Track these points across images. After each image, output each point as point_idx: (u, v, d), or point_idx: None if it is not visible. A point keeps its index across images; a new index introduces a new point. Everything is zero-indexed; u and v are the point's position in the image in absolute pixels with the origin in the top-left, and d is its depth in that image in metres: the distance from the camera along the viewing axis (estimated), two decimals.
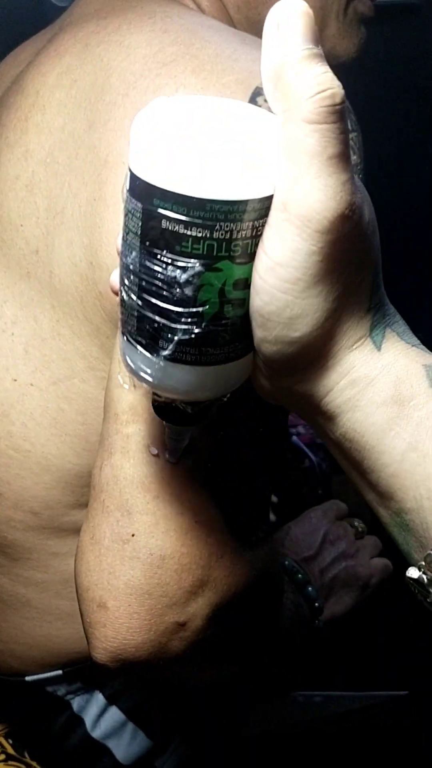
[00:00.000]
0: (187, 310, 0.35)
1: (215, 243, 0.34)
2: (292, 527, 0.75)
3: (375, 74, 1.15)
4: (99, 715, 0.68)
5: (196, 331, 0.35)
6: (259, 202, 0.34)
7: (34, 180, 0.60)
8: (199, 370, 0.36)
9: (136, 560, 0.48)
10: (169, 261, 0.34)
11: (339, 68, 0.45)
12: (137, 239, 0.35)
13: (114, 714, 0.68)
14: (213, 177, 0.33)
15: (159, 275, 0.34)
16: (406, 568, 0.38)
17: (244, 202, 0.33)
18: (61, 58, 0.60)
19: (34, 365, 0.60)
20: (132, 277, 0.36)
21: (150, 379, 0.37)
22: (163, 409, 0.43)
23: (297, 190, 0.34)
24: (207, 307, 0.35)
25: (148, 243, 0.34)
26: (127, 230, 0.36)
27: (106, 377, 0.52)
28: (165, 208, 0.33)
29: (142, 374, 0.37)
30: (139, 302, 0.36)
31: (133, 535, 0.48)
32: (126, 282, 0.36)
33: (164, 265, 0.34)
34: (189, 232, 0.33)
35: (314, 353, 0.37)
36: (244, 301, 0.36)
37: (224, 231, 0.33)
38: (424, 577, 0.37)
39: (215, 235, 0.33)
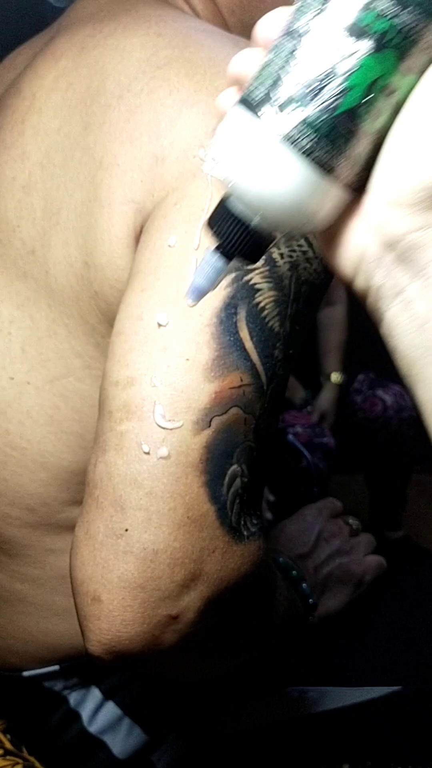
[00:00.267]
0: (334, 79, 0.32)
1: (397, 29, 0.31)
2: (287, 524, 0.76)
3: None
4: (95, 710, 0.68)
5: (332, 106, 0.32)
6: None
7: (31, 181, 0.60)
8: (304, 170, 0.33)
9: (129, 554, 0.48)
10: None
11: None
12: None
13: (110, 709, 0.68)
14: None
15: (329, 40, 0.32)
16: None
17: None
18: (58, 61, 0.61)
19: (30, 364, 0.61)
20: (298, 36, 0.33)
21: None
22: (226, 224, 0.37)
23: None
24: (352, 90, 0.32)
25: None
26: None
27: (101, 376, 0.53)
28: None
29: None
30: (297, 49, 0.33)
31: (126, 530, 0.48)
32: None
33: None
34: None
35: None
36: (386, 121, 0.33)
37: (412, 25, 0.31)
38: None
39: (400, 20, 0.31)
